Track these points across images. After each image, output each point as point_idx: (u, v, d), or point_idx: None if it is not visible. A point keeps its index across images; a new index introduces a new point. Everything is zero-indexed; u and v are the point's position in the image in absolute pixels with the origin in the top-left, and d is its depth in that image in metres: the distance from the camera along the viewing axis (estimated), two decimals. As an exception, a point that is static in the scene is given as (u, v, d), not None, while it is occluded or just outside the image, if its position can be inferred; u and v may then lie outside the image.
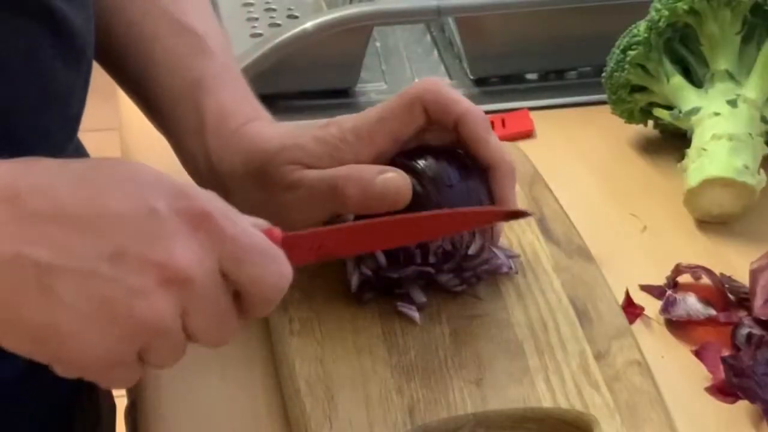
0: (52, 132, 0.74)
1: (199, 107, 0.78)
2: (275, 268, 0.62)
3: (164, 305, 0.58)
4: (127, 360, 0.59)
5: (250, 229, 0.62)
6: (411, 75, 1.18)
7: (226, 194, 0.67)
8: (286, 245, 0.64)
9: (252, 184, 0.75)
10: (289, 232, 0.66)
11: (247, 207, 0.67)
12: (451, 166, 0.75)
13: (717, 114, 0.92)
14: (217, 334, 0.61)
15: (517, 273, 0.78)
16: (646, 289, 0.83)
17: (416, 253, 0.74)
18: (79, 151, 0.83)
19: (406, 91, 0.75)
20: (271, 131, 0.77)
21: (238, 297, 0.62)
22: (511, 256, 0.79)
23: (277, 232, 0.65)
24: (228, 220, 0.61)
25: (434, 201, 0.73)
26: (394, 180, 0.73)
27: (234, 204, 0.64)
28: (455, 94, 0.75)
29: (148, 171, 0.61)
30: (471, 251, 0.75)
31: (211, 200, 0.61)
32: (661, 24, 0.96)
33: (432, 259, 0.75)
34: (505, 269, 0.77)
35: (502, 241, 0.80)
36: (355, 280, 0.76)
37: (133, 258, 0.57)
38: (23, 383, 0.74)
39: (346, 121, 0.75)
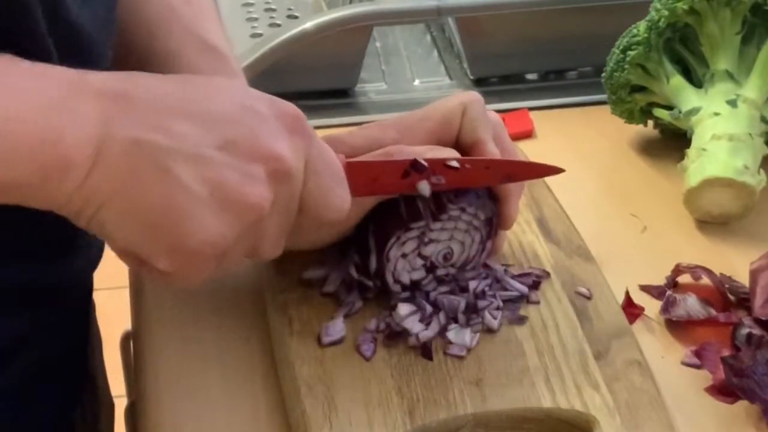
0: None
1: None
2: (341, 191, 0.67)
3: (268, 193, 0.62)
4: (228, 248, 0.62)
5: (328, 147, 0.67)
6: (411, 75, 1.18)
7: None
8: (347, 171, 0.68)
9: None
10: (351, 159, 0.69)
11: None
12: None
13: (717, 114, 0.92)
14: (277, 241, 0.66)
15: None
16: (646, 289, 0.83)
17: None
18: None
19: (453, 96, 0.76)
20: None
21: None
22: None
23: (342, 156, 0.69)
24: (313, 131, 0.66)
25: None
26: (444, 153, 0.73)
27: None
28: (488, 118, 0.75)
29: (236, 83, 0.66)
30: (474, 286, 0.76)
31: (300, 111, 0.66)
32: (661, 24, 0.96)
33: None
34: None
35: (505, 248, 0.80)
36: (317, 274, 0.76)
37: (245, 148, 0.62)
38: (23, 390, 0.75)
39: (386, 120, 0.76)
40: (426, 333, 0.72)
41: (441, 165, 0.72)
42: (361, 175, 0.70)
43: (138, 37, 0.79)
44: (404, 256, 0.74)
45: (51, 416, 0.79)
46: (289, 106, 0.65)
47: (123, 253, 0.63)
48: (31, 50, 0.62)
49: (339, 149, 0.73)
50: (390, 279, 0.74)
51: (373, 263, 0.74)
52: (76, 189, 0.59)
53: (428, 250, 0.74)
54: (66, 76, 0.60)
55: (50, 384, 0.77)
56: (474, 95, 0.75)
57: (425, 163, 0.72)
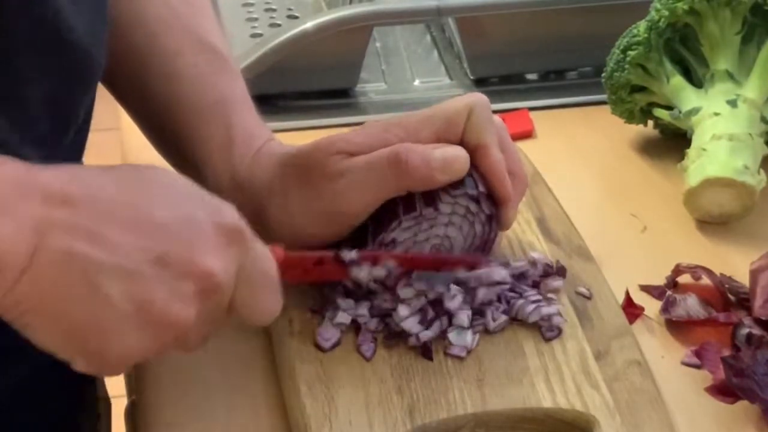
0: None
1: (228, 124, 0.79)
2: (274, 298, 0.66)
3: (194, 309, 0.61)
4: (150, 355, 0.62)
5: (266, 253, 0.66)
6: (411, 75, 1.18)
7: (257, 210, 0.72)
8: (286, 264, 0.68)
9: (294, 186, 0.74)
10: (290, 252, 0.69)
11: (287, 216, 0.72)
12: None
13: (717, 114, 0.92)
14: (201, 342, 0.65)
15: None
16: (646, 289, 0.83)
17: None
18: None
19: (459, 97, 0.76)
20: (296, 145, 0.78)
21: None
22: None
23: (279, 250, 0.68)
24: (253, 240, 0.65)
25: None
26: (452, 150, 0.73)
27: (271, 217, 0.71)
28: (493, 122, 0.75)
29: (183, 181, 0.64)
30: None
31: (240, 217, 0.64)
32: (661, 24, 0.96)
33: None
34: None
35: (503, 245, 0.80)
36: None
37: (177, 263, 0.60)
38: (29, 390, 0.75)
39: (391, 118, 0.76)
40: (426, 333, 0.72)
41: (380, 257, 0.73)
42: (298, 267, 0.71)
43: (138, 38, 0.78)
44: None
45: (58, 417, 0.79)
46: (230, 217, 0.64)
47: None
48: (19, 65, 0.62)
49: (344, 148, 0.73)
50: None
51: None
52: (4, 293, 0.58)
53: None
54: (13, 174, 0.59)
55: (56, 386, 0.78)
56: (480, 97, 0.75)
57: (353, 257, 0.72)
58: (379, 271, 0.73)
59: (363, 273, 0.72)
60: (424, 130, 0.74)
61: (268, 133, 0.80)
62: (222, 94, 0.79)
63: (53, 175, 0.60)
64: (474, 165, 0.74)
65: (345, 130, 0.78)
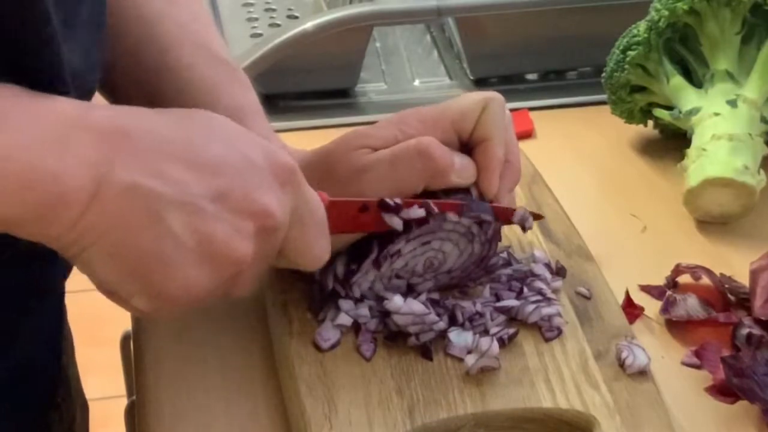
0: None
1: None
2: (324, 242, 0.68)
3: (253, 248, 0.63)
4: (208, 294, 0.63)
5: (316, 196, 0.67)
6: (411, 75, 1.18)
7: None
8: (331, 209, 0.69)
9: (316, 186, 0.74)
10: (333, 198, 0.70)
11: None
12: None
13: (717, 114, 0.92)
14: (252, 285, 0.66)
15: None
16: (646, 289, 0.83)
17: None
18: None
19: (476, 93, 0.78)
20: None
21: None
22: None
23: (325, 195, 0.69)
24: (306, 183, 0.66)
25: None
26: (466, 159, 0.76)
27: None
28: (505, 124, 0.77)
29: (234, 124, 0.65)
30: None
31: (292, 159, 0.66)
32: (661, 24, 0.96)
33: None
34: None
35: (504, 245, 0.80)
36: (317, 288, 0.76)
37: (237, 201, 0.62)
38: (2, 395, 0.75)
39: (408, 110, 0.77)
40: (426, 333, 0.72)
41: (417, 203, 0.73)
42: (342, 214, 0.71)
43: (151, 54, 0.79)
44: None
45: (30, 418, 0.79)
46: (283, 157, 0.65)
47: (101, 289, 0.64)
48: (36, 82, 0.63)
49: (366, 143, 0.75)
50: (356, 290, 0.74)
51: (368, 268, 0.74)
52: (69, 228, 0.59)
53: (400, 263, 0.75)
54: (67, 111, 0.60)
55: (28, 388, 0.78)
56: (496, 95, 0.77)
57: (398, 201, 0.73)
58: (417, 212, 0.73)
59: (398, 223, 0.73)
60: (441, 122, 0.76)
61: (280, 142, 0.81)
62: (237, 103, 0.80)
63: (108, 112, 0.61)
64: (473, 158, 0.76)
65: (346, 130, 0.78)
